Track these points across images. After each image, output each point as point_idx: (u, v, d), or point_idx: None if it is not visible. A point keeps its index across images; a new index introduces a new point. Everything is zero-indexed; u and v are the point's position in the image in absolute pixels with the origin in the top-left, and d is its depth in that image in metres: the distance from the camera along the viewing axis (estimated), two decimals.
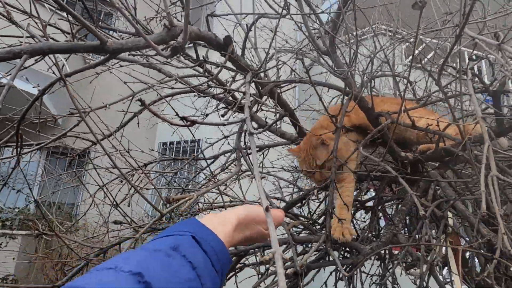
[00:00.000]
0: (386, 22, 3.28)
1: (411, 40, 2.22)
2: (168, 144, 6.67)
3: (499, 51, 0.98)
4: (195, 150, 5.80)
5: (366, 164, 2.02)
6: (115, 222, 1.65)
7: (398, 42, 2.11)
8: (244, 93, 0.67)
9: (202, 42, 0.91)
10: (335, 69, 1.44)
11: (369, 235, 2.02)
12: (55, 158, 7.06)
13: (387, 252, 2.05)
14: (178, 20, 0.94)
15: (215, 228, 0.56)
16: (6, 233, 4.89)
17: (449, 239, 1.70)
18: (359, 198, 2.06)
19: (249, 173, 1.74)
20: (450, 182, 1.59)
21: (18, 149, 0.90)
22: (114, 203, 1.69)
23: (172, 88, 1.23)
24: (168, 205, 0.83)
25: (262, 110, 1.59)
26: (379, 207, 1.95)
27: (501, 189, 1.44)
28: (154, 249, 0.46)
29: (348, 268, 1.86)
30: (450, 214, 1.73)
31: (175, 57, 1.54)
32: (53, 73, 0.97)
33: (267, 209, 0.42)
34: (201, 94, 1.11)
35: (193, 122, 0.48)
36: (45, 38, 0.69)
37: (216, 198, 2.06)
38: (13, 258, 5.22)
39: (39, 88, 0.74)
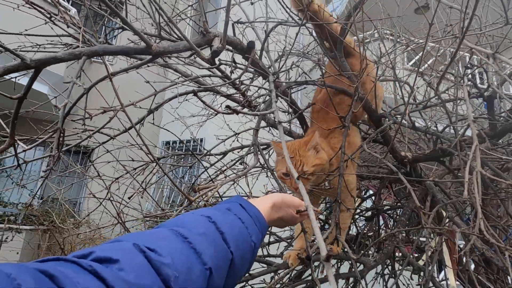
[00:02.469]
0: (388, 28, 3.39)
1: (412, 45, 2.32)
2: (171, 143, 6.80)
3: (493, 59, 1.09)
4: (198, 149, 5.89)
5: (367, 164, 2.12)
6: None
7: (402, 49, 2.21)
8: (270, 91, 0.77)
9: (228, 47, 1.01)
10: (342, 72, 1.54)
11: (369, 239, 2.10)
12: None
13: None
14: (195, 23, 1.04)
15: (255, 204, 0.73)
16: (12, 227, 4.96)
17: (444, 238, 1.80)
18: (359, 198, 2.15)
19: (265, 167, 1.83)
20: (443, 189, 1.68)
21: (60, 145, 0.99)
22: (124, 197, 1.79)
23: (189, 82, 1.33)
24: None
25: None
26: (379, 213, 2.04)
27: (495, 192, 1.53)
28: (215, 208, 0.65)
29: (353, 280, 1.94)
30: (444, 213, 1.83)
31: (192, 58, 1.64)
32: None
33: (298, 178, 0.54)
34: (221, 95, 1.21)
35: (235, 111, 0.58)
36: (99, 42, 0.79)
37: (224, 193, 2.16)
38: (17, 253, 5.30)
39: (84, 87, 0.84)
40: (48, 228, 5.81)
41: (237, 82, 1.41)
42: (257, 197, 1.14)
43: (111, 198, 2.01)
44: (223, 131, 2.50)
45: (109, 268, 0.42)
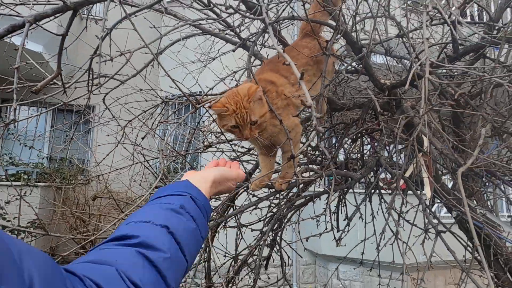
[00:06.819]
0: None
1: None
2: (170, 96, 6.99)
3: None
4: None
5: (352, 94, 2.32)
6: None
7: None
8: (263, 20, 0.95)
9: None
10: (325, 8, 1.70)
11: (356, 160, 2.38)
12: (62, 116, 7.36)
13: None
14: None
15: (199, 185, 0.77)
16: (29, 184, 5.32)
17: (423, 158, 2.05)
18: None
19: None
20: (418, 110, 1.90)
21: (91, 82, 1.18)
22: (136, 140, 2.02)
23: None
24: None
25: (265, 47, 1.87)
26: (362, 136, 2.29)
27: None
28: (168, 207, 0.66)
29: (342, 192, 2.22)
30: (425, 139, 2.07)
31: (190, 3, 1.78)
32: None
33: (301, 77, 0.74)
34: (214, 36, 1.38)
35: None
36: None
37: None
38: (36, 207, 5.69)
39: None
40: (61, 185, 6.17)
41: (231, 24, 1.58)
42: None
43: (123, 142, 2.23)
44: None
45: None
